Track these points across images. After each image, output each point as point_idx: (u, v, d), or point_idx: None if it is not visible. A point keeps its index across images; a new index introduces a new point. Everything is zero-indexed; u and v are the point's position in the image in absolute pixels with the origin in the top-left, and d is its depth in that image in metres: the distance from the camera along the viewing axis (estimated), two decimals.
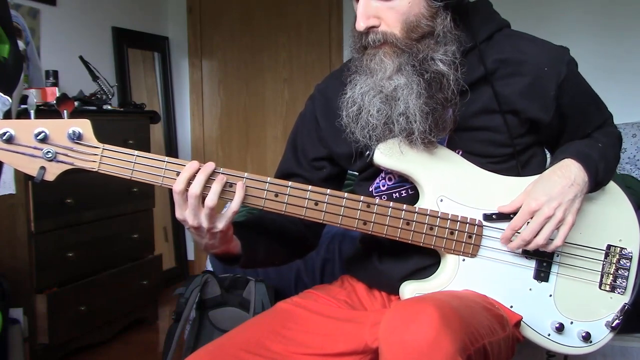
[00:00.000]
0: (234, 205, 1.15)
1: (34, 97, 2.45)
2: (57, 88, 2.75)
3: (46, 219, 2.55)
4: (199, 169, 1.14)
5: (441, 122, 1.20)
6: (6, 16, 1.79)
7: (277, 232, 1.35)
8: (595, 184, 1.27)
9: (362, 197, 1.21)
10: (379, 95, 1.20)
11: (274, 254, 1.38)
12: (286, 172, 1.40)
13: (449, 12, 1.21)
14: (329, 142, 1.36)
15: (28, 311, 2.47)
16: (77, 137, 1.14)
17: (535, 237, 1.21)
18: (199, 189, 1.12)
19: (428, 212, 1.23)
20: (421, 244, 1.23)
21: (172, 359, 2.11)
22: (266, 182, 1.19)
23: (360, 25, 1.20)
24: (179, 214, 1.15)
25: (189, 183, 1.13)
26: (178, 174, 1.15)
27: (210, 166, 1.14)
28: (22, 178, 2.35)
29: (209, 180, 1.14)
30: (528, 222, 1.22)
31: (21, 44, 2.65)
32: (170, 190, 1.15)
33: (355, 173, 1.43)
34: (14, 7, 2.81)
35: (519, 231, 1.22)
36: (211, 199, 1.13)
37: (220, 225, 1.15)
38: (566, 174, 1.23)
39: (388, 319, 1.03)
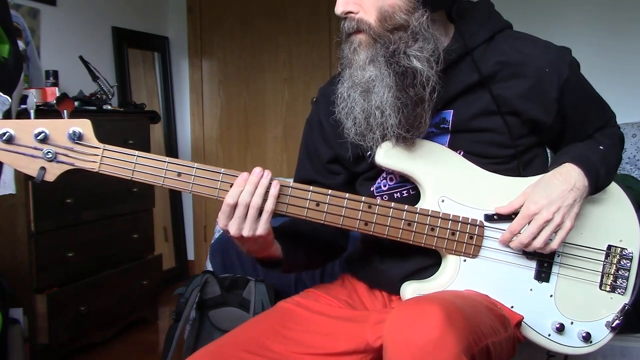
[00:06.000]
0: (268, 205, 1.16)
1: (34, 97, 2.44)
2: (57, 88, 2.75)
3: (46, 219, 2.55)
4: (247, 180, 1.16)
5: (412, 119, 1.19)
6: (6, 16, 1.79)
7: (312, 235, 1.35)
8: (595, 188, 1.27)
9: (363, 198, 1.21)
10: (359, 90, 1.20)
11: (313, 257, 1.40)
12: (304, 179, 1.39)
13: (427, 11, 1.19)
14: (333, 144, 1.36)
15: (28, 311, 2.47)
16: (77, 137, 1.13)
17: (533, 240, 1.21)
18: (249, 198, 1.14)
19: (429, 213, 1.23)
20: (422, 245, 1.23)
21: (172, 359, 2.11)
22: None
23: (339, 8, 1.21)
24: (222, 224, 1.16)
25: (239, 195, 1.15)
26: (179, 174, 1.16)
27: (256, 177, 1.15)
28: (22, 178, 2.35)
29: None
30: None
31: (21, 44, 2.65)
32: (171, 190, 1.16)
33: None
34: (14, 7, 2.80)
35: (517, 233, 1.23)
36: (271, 202, 1.15)
37: (260, 230, 1.16)
38: (566, 179, 1.23)
39: (393, 318, 1.03)
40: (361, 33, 1.20)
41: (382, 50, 1.18)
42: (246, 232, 1.15)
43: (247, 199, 1.14)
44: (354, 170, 1.36)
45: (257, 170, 1.16)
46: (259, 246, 1.21)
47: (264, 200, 1.16)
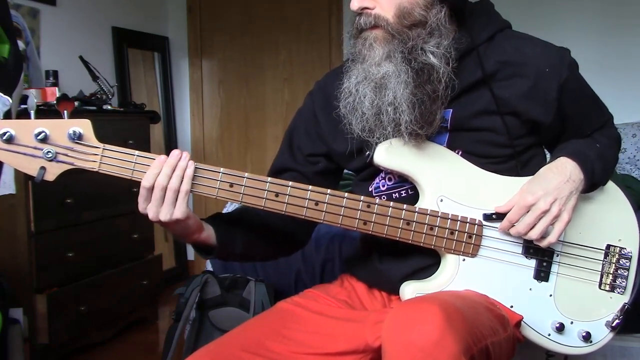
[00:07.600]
0: (184, 186, 1.15)
1: (34, 97, 2.45)
2: (57, 88, 2.74)
3: (46, 219, 2.55)
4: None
5: (428, 115, 1.19)
6: (6, 16, 1.79)
7: (260, 226, 1.34)
8: (591, 184, 1.27)
9: (362, 197, 1.21)
10: (371, 85, 1.20)
11: (253, 248, 1.36)
12: (281, 167, 1.40)
13: (444, 6, 1.20)
14: (327, 139, 1.36)
15: (28, 311, 2.47)
16: (77, 137, 1.14)
17: (529, 230, 1.21)
18: (166, 181, 1.13)
19: (428, 212, 1.23)
20: (421, 244, 1.23)
21: (172, 359, 2.11)
22: (267, 182, 1.19)
23: (354, 4, 1.20)
24: (141, 208, 1.16)
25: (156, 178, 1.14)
26: None
27: (175, 159, 1.14)
28: (22, 178, 2.35)
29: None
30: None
31: (21, 44, 2.65)
32: None
33: (351, 173, 1.43)
34: (14, 7, 2.80)
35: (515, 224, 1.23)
36: (187, 183, 1.14)
37: (177, 213, 1.15)
38: (562, 171, 1.23)
39: (392, 318, 1.03)
40: (378, 29, 1.20)
41: (400, 46, 1.18)
42: (164, 216, 1.14)
43: (164, 181, 1.13)
44: (347, 168, 1.36)
45: (176, 152, 1.16)
46: (183, 230, 1.20)
47: (182, 182, 1.15)
